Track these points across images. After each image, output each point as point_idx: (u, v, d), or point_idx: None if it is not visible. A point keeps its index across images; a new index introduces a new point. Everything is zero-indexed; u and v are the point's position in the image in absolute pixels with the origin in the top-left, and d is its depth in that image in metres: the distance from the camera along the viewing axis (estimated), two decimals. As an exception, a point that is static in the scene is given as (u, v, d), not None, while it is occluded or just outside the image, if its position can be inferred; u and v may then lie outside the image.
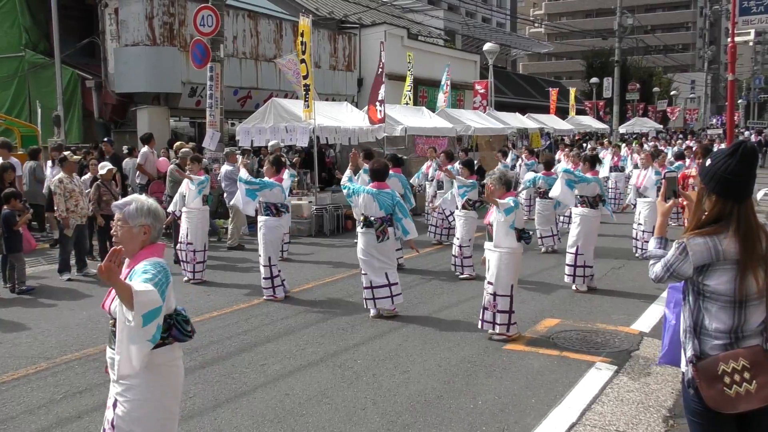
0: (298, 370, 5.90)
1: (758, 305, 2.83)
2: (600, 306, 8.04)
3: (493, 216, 6.59)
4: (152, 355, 3.02)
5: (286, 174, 9.73)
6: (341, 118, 15.45)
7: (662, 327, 3.38)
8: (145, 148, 13.90)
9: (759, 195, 18.75)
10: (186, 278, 9.47)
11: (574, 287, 8.77)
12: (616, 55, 37.47)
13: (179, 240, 9.76)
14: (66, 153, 11.49)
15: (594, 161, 9.64)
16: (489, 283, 6.64)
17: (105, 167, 10.67)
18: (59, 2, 15.93)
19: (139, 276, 2.99)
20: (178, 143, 14.23)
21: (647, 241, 10.63)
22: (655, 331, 6.77)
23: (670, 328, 3.25)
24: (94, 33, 17.98)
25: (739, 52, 21.20)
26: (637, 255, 10.93)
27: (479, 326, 6.78)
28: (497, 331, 6.63)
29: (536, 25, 71.23)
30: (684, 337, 2.95)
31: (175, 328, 3.18)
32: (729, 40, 14.90)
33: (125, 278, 3.05)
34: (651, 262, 3.04)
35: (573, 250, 8.75)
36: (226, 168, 12.65)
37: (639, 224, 10.94)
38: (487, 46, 26.16)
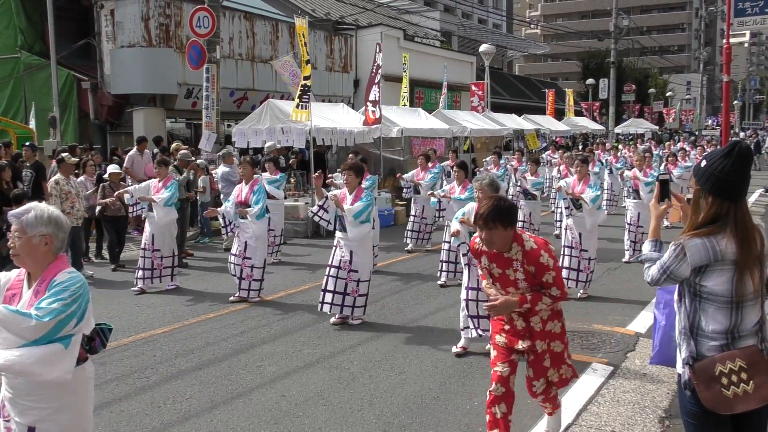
0: (295, 372, 5.90)
1: (754, 305, 2.85)
2: (596, 307, 8.05)
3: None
4: (78, 369, 3.00)
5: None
6: (337, 119, 15.44)
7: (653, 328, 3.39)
8: (132, 151, 13.74)
9: (753, 197, 18.78)
10: (138, 287, 8.76)
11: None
12: (611, 57, 37.51)
13: (143, 246, 8.88)
14: (63, 155, 11.45)
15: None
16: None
17: (112, 170, 10.67)
18: (55, 3, 15.92)
19: (48, 304, 2.85)
20: (175, 144, 14.21)
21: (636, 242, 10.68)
22: (651, 332, 6.77)
23: (660, 328, 3.26)
24: (90, 34, 17.98)
25: (735, 53, 21.24)
26: (624, 259, 10.83)
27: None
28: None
29: (532, 26, 71.39)
30: (679, 338, 2.95)
31: (98, 338, 3.17)
32: (724, 41, 14.93)
33: (34, 295, 2.94)
34: (646, 265, 3.03)
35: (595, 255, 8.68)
36: (222, 169, 12.62)
37: (629, 224, 10.93)
38: (483, 48, 26.17)
